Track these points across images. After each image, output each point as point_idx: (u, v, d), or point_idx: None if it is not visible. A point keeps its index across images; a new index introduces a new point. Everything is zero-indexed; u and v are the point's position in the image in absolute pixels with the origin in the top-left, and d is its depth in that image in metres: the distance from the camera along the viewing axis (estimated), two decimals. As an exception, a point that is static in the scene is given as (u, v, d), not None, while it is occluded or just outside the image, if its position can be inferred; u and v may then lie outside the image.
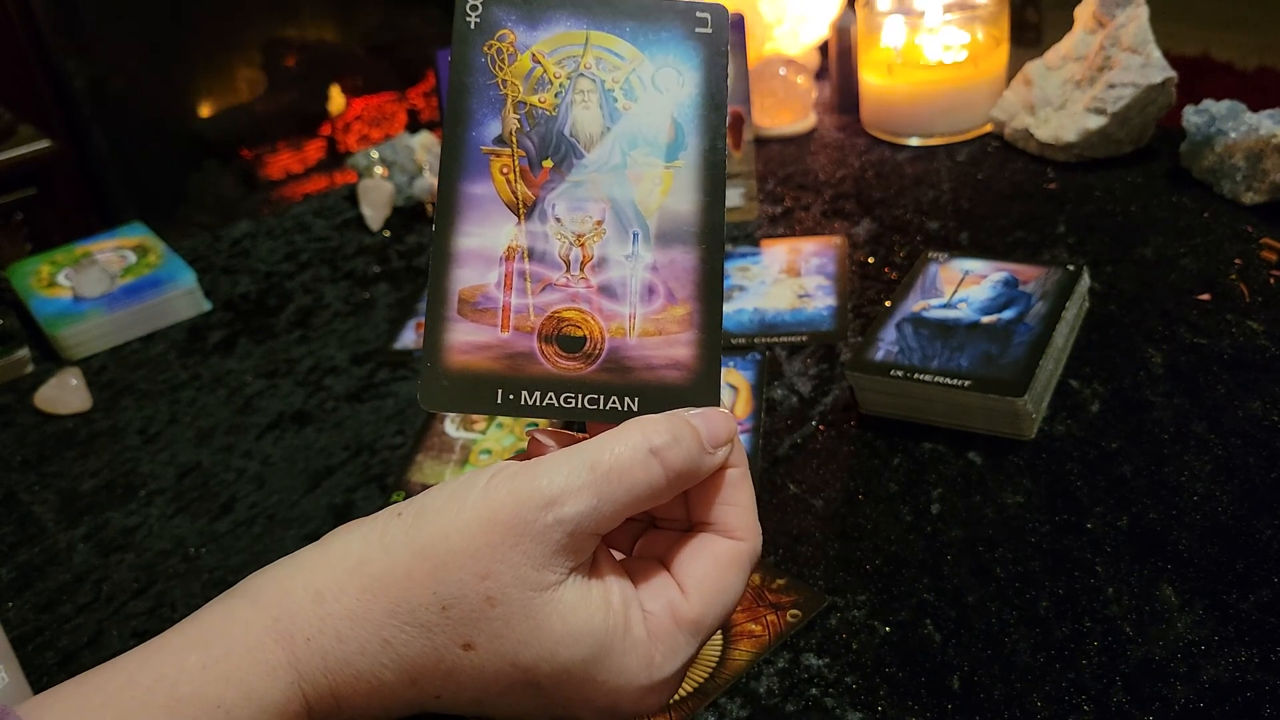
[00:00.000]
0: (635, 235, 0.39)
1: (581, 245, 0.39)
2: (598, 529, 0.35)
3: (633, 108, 0.40)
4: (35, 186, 1.50)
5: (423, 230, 0.98)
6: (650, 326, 0.39)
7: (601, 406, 0.38)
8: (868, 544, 0.56)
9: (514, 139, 0.40)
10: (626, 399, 0.38)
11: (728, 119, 0.41)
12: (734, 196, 0.89)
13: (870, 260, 0.82)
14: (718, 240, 0.39)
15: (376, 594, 0.34)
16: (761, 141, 1.02)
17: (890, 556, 0.55)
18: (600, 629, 0.35)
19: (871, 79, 0.99)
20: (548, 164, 0.40)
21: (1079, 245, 0.79)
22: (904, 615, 0.51)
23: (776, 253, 0.84)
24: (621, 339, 0.39)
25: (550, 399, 0.39)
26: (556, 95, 0.40)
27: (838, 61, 1.05)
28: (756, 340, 0.74)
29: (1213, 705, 0.45)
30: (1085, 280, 0.69)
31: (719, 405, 0.38)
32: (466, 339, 0.39)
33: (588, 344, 0.39)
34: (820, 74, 1.13)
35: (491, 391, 0.38)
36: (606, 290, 0.39)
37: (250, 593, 0.35)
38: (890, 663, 0.49)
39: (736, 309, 0.78)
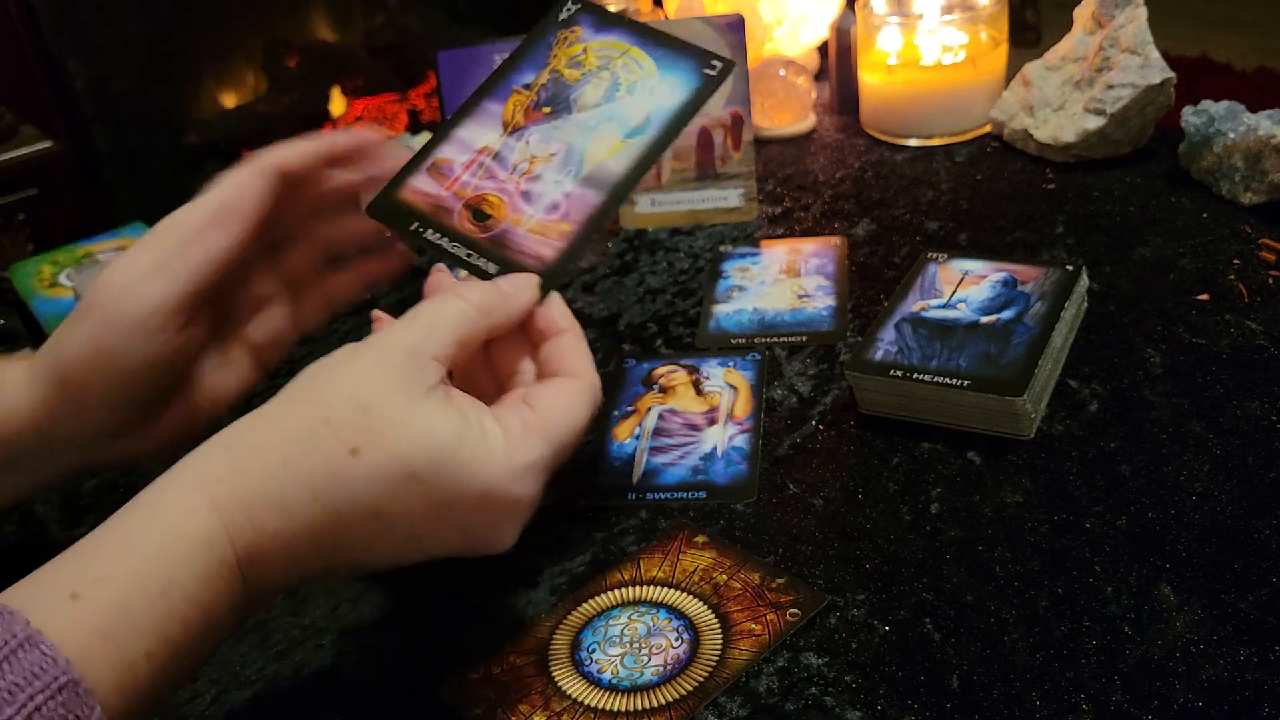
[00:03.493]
0: (570, 171, 0.52)
1: (530, 163, 0.52)
2: (435, 353, 0.45)
3: (626, 99, 0.53)
4: (37, 187, 1.51)
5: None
6: (538, 228, 0.51)
7: (470, 261, 0.50)
8: (867, 543, 0.56)
9: (535, 88, 0.54)
10: (489, 263, 0.50)
11: (680, 133, 0.53)
12: (733, 197, 0.90)
13: (870, 261, 0.82)
14: (619, 198, 0.51)
15: (270, 427, 0.43)
16: (761, 142, 1.03)
17: (889, 556, 0.55)
18: (459, 423, 0.43)
19: (871, 80, 1.00)
20: (545, 110, 0.54)
21: (1078, 245, 0.79)
22: (903, 614, 0.52)
23: (776, 253, 0.84)
24: (516, 228, 0.51)
25: (443, 241, 0.51)
26: (582, 74, 0.54)
27: (837, 62, 1.05)
28: (756, 340, 0.74)
29: (1211, 704, 0.45)
30: (1084, 280, 0.69)
31: (545, 294, 0.49)
32: (420, 186, 0.53)
33: (490, 220, 0.51)
34: (820, 75, 1.13)
35: (412, 220, 0.52)
36: (527, 195, 0.52)
37: (176, 466, 0.43)
38: (889, 662, 0.49)
39: (736, 309, 0.78)
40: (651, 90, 0.52)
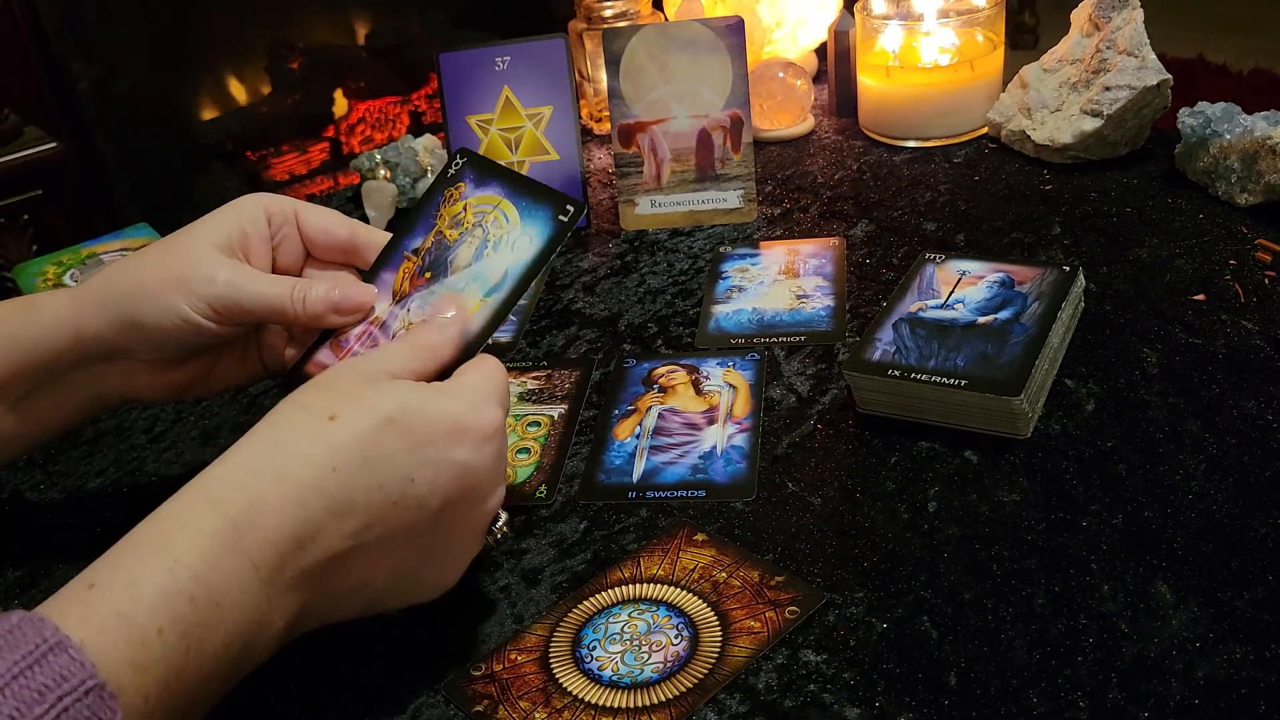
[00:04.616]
0: None
1: (407, 328, 0.56)
2: (393, 371, 0.51)
3: (492, 257, 0.56)
4: (41, 188, 1.51)
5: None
6: None
7: None
8: (865, 542, 0.56)
9: (421, 253, 0.58)
10: None
11: (539, 277, 0.58)
12: (733, 198, 0.90)
13: (868, 261, 0.82)
14: (472, 355, 0.53)
15: (256, 434, 0.47)
16: (760, 144, 1.03)
17: (887, 554, 0.55)
18: (413, 384, 0.49)
19: (869, 82, 1.00)
20: (427, 275, 0.57)
21: (1074, 246, 0.80)
22: (901, 612, 0.52)
23: (775, 254, 0.85)
24: None
25: None
26: (461, 233, 0.57)
27: (836, 65, 1.05)
28: (755, 340, 0.75)
29: (1208, 702, 0.46)
30: (1080, 281, 0.70)
31: None
32: (321, 359, 0.58)
33: None
34: (818, 77, 1.14)
35: None
36: None
37: (182, 489, 0.47)
38: (887, 659, 0.50)
39: (735, 309, 0.78)
40: (512, 245, 0.55)
